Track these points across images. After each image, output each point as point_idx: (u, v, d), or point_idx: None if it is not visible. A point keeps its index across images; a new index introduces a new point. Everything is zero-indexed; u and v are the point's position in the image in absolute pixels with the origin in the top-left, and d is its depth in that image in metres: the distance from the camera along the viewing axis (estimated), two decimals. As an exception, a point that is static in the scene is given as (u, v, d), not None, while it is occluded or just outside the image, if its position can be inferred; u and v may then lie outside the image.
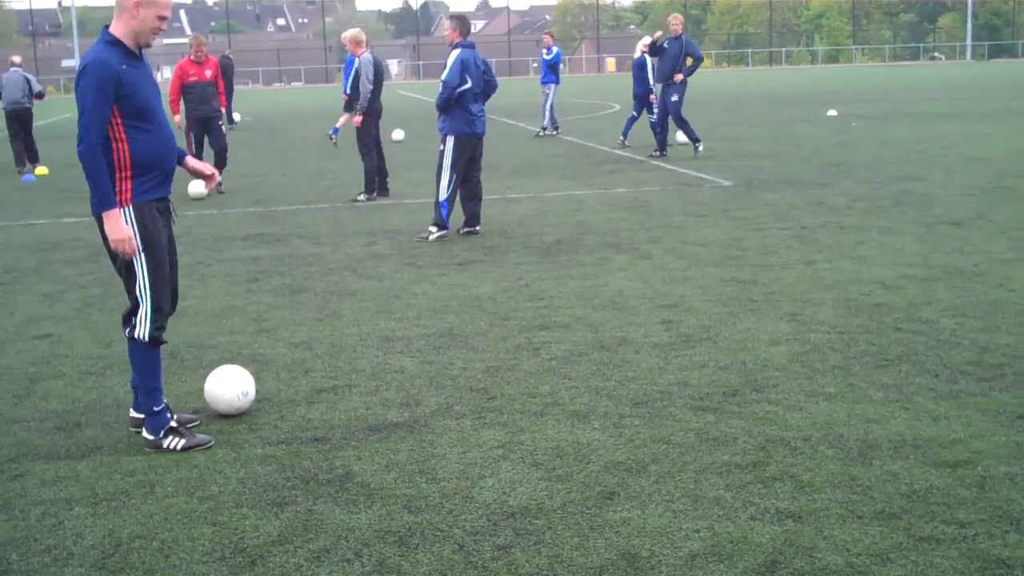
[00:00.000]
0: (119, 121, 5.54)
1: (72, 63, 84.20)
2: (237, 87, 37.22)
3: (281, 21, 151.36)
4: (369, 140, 15.40)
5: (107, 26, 5.71)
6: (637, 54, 21.97)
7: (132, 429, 6.07)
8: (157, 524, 4.85)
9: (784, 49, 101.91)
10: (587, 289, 9.21)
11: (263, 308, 8.92)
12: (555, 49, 25.73)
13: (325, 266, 10.64)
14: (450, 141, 11.91)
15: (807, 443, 5.54)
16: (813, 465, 5.25)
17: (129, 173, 5.59)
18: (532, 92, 25.79)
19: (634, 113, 22.40)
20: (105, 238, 5.63)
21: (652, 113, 21.29)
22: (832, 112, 29.49)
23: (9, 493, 5.25)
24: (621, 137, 22.56)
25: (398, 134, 24.35)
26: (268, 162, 21.79)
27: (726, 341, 7.47)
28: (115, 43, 5.61)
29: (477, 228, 12.30)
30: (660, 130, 20.30)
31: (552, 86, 25.47)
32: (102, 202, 5.52)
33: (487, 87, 12.21)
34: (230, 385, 6.22)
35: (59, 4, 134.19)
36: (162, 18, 5.67)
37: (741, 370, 6.81)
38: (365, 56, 15.26)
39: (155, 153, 5.67)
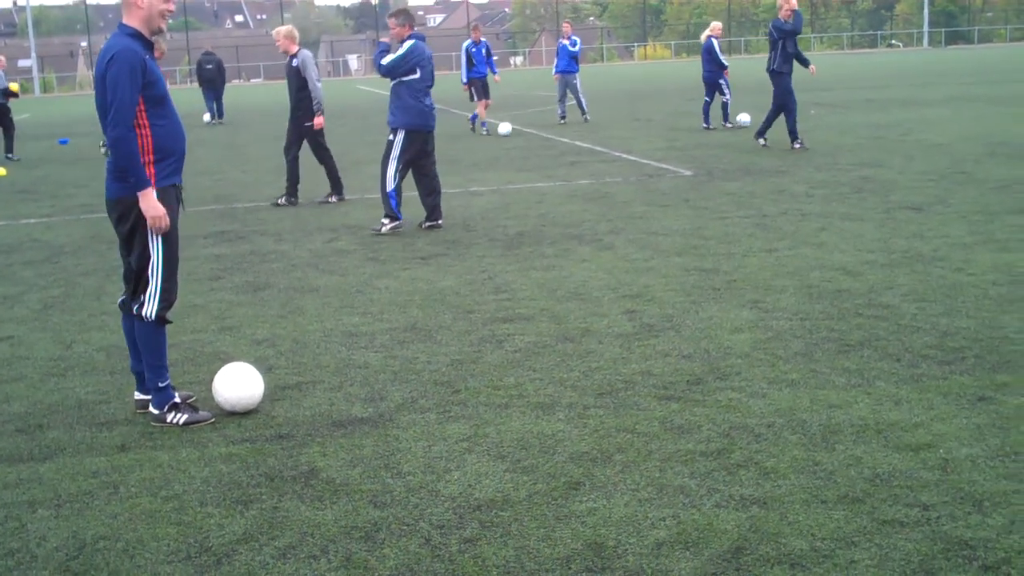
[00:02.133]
0: (143, 108, 5.81)
1: (28, 63, 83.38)
2: (195, 84, 36.98)
3: (239, 17, 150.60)
4: (324, 140, 15.25)
5: (122, 22, 5.95)
6: (703, 38, 23.05)
7: (139, 411, 6.28)
8: (121, 525, 4.82)
9: (743, 38, 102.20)
10: (550, 281, 9.22)
11: (225, 306, 8.88)
12: (576, 39, 26.06)
13: (287, 263, 10.60)
14: (401, 134, 11.91)
15: (770, 429, 5.56)
16: (777, 451, 5.27)
17: (152, 159, 5.88)
18: (491, 86, 25.71)
19: (707, 98, 23.19)
20: (129, 222, 5.92)
21: (725, 94, 23.03)
22: (813, 111, 29.60)
23: (-30, 497, 5.20)
24: (716, 123, 23.26)
25: (505, 128, 24.10)
26: (229, 159, 21.66)
27: (689, 330, 7.49)
28: (135, 35, 5.88)
29: (439, 222, 12.28)
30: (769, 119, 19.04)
31: (577, 75, 26.06)
32: (139, 183, 5.79)
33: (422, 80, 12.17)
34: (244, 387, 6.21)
35: (14, 4, 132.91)
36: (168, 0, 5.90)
37: (704, 358, 6.83)
38: (306, 54, 14.91)
39: (173, 139, 5.99)
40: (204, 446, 5.74)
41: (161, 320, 6.04)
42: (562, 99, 26.20)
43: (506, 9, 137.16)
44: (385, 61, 11.87)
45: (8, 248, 12.26)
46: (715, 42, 22.67)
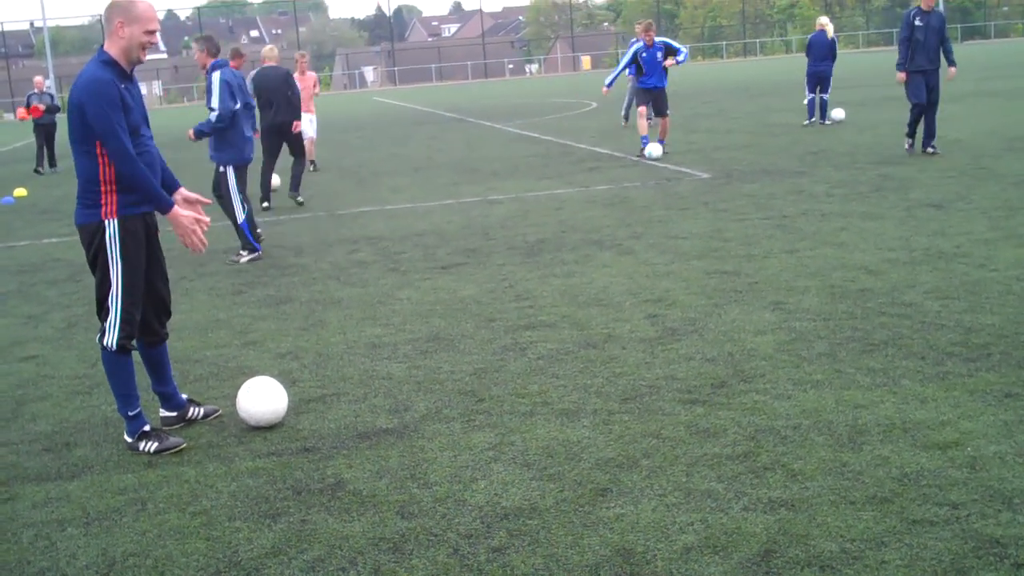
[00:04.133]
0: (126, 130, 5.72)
1: (48, 82, 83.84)
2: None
3: (255, 32, 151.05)
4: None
5: (102, 45, 5.87)
6: (820, 27, 22.96)
7: (166, 428, 6.30)
8: (150, 541, 4.83)
9: (758, 40, 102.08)
10: (572, 287, 9.21)
11: (248, 320, 8.91)
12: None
13: (308, 275, 10.63)
14: (230, 171, 11.86)
15: (797, 431, 5.55)
16: (804, 453, 5.26)
17: (114, 187, 5.76)
18: (507, 94, 25.70)
19: (812, 94, 22.99)
20: (91, 250, 5.86)
21: (827, 91, 22.96)
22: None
23: (0, 517, 5.23)
24: (821, 120, 23.10)
25: (839, 113, 23.92)
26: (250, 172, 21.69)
27: (712, 333, 7.48)
28: (110, 63, 5.80)
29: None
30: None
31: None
32: (164, 206, 5.82)
33: (248, 107, 12.23)
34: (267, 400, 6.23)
35: (31, 25, 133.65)
36: (150, 32, 5.89)
37: (728, 361, 6.82)
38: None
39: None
40: (231, 461, 5.75)
41: (123, 349, 5.89)
42: (630, 104, 26.02)
43: (520, 17, 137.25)
44: (211, 126, 11.69)
45: (32, 267, 12.33)
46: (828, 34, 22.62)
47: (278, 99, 15.56)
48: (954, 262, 9.02)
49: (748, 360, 6.81)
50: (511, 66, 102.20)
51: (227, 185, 11.90)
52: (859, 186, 13.74)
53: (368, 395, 6.69)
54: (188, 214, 5.92)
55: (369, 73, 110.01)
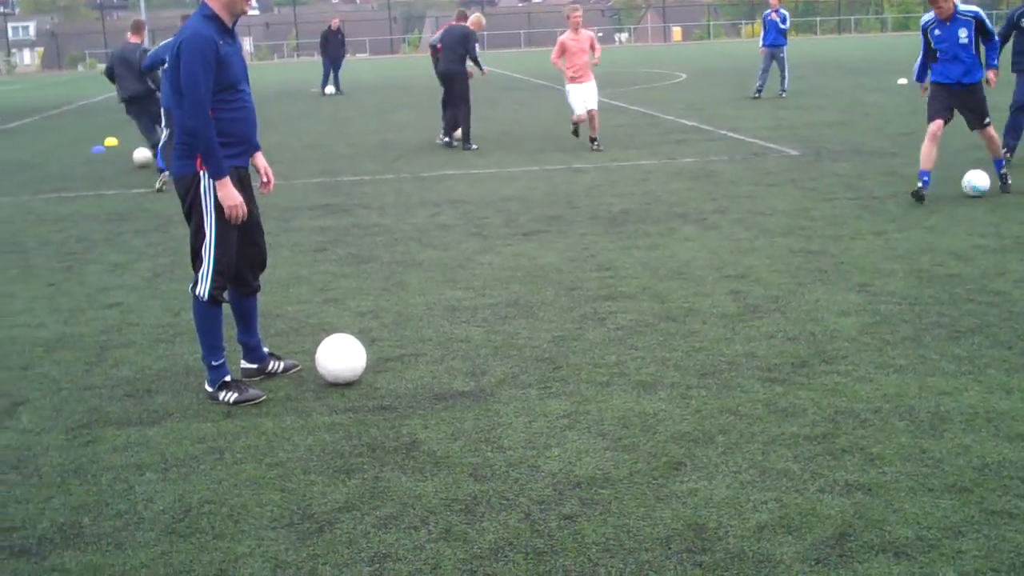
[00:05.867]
0: (211, 92, 5.78)
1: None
2: (303, 58, 37.40)
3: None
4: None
5: (203, 1, 5.93)
6: None
7: (246, 380, 6.37)
8: (226, 490, 4.90)
9: (853, 17, 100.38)
10: (653, 259, 9.15)
11: (330, 278, 8.97)
12: (786, 13, 25.98)
13: (390, 236, 10.67)
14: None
15: (877, 415, 5.47)
16: (883, 437, 5.18)
17: None
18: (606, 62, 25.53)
19: None
20: (186, 201, 5.96)
21: None
22: (903, 80, 28.99)
23: (82, 459, 5.33)
24: None
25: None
26: (334, 133, 21.87)
27: (795, 312, 7.39)
28: (212, 17, 5.86)
29: None
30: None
31: (785, 48, 25.95)
32: (217, 172, 5.80)
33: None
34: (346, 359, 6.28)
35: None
36: None
37: (810, 341, 6.74)
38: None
39: (239, 126, 5.96)
40: (308, 415, 5.81)
41: (214, 300, 6.00)
42: (764, 72, 25.78)
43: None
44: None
45: (120, 216, 12.53)
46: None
47: (446, 52, 18.00)
48: (1047, 251, 8.82)
49: (830, 341, 6.72)
50: (600, 35, 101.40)
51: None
52: (951, 169, 13.45)
53: (446, 357, 6.71)
54: (236, 196, 5.87)
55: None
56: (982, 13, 11.44)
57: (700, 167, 14.72)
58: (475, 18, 18.56)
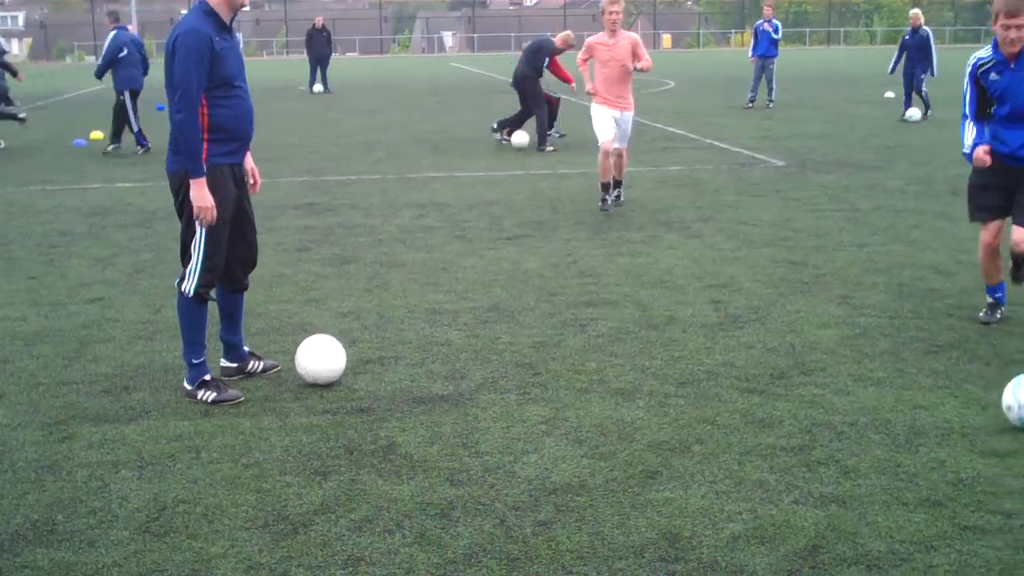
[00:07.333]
0: (205, 90, 5.78)
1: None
2: (293, 55, 37.42)
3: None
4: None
5: None
6: None
7: (225, 379, 6.36)
8: (202, 489, 4.89)
9: (843, 29, 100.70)
10: (636, 267, 9.17)
11: (312, 278, 8.97)
12: (778, 23, 25.97)
13: (375, 237, 10.67)
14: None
15: (853, 428, 5.49)
16: (859, 450, 5.20)
17: (206, 136, 5.84)
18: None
19: None
20: (179, 196, 5.94)
21: None
22: (890, 94, 29.07)
23: (57, 455, 5.32)
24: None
25: (914, 113, 23.20)
26: (321, 132, 21.84)
27: (775, 323, 7.41)
28: (210, 13, 5.86)
29: None
30: None
31: (775, 59, 25.91)
32: (193, 170, 5.77)
33: None
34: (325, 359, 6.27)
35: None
36: None
37: (789, 352, 6.76)
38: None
39: (235, 121, 5.95)
40: (286, 416, 5.80)
41: (200, 297, 5.99)
42: (756, 82, 25.83)
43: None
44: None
45: (103, 210, 12.49)
46: None
47: (522, 58, 18.48)
48: (1027, 268, 8.85)
49: (809, 352, 6.75)
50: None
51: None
52: (935, 184, 13.53)
53: (426, 360, 6.71)
54: (208, 199, 5.80)
55: (448, 38, 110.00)
56: None
57: (685, 175, 14.75)
58: (564, 35, 18.35)
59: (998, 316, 7.37)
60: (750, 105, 25.63)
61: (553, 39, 18.31)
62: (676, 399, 5.95)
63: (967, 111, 7.27)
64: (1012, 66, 6.96)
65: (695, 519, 4.51)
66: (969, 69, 7.22)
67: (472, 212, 12.06)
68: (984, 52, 7.14)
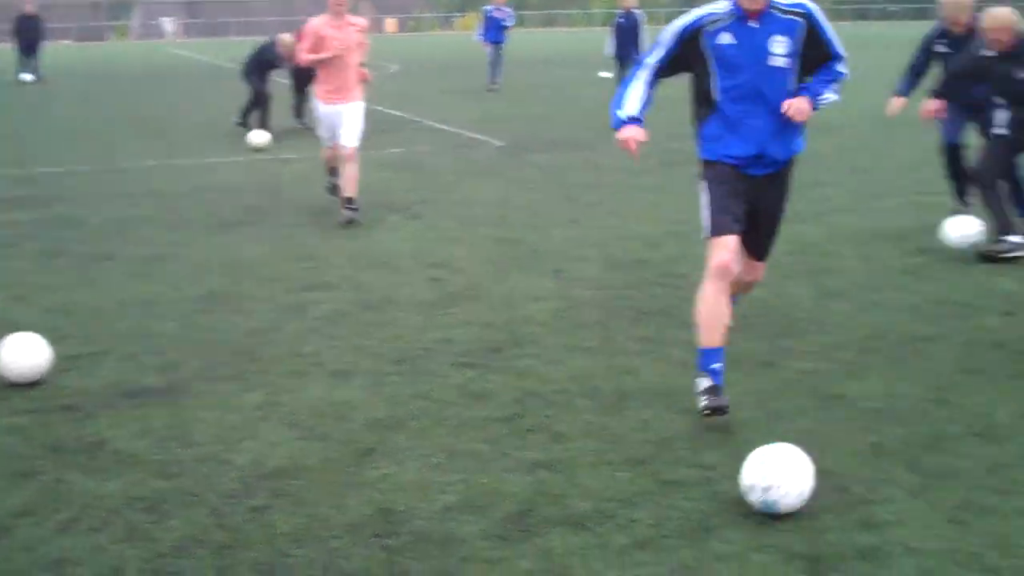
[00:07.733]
0: None
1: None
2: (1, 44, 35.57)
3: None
4: None
5: None
6: None
7: None
8: None
9: (562, 11, 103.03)
10: (357, 249, 9.17)
11: (18, 274, 8.58)
12: (509, 10, 26.65)
13: (86, 230, 10.28)
14: None
15: (564, 395, 5.67)
16: (568, 416, 5.38)
17: None
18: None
19: None
20: None
21: None
22: (604, 74, 30.00)
23: None
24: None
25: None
26: (32, 122, 20.84)
27: (491, 299, 7.56)
28: None
29: None
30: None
31: (504, 45, 26.47)
32: None
33: None
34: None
35: None
36: None
37: (504, 327, 6.91)
38: None
39: None
40: (-13, 417, 5.55)
41: None
42: (492, 65, 26.22)
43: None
44: None
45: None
46: None
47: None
48: (728, 236, 9.30)
49: (524, 326, 6.91)
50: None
51: None
52: (648, 160, 14.02)
53: (138, 353, 6.53)
54: None
55: (167, 24, 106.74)
56: None
57: (406, 158, 14.83)
58: (285, 41, 17.41)
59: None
60: (495, 86, 25.92)
61: (277, 47, 17.63)
62: (392, 377, 6.00)
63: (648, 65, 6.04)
64: (752, 23, 5.32)
65: (409, 493, 4.57)
66: (685, 24, 5.57)
67: (188, 200, 11.78)
68: (719, 5, 5.39)
